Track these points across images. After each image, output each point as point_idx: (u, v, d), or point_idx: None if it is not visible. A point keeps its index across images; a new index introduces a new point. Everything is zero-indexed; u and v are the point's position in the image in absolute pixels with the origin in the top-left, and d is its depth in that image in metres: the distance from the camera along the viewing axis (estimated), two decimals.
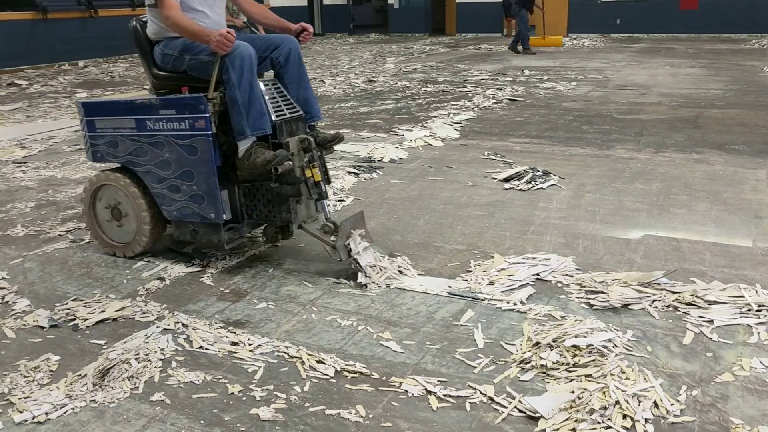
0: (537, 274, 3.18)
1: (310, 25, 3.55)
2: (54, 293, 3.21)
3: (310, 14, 23.57)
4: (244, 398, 2.30)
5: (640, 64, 12.39)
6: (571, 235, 3.75)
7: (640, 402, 2.15)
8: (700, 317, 2.73)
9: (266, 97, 3.24)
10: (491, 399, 2.24)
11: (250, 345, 2.64)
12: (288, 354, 2.57)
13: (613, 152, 5.65)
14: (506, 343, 2.59)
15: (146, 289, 3.21)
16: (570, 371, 2.34)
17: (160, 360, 2.55)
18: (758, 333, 2.60)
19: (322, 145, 3.41)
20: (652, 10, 18.99)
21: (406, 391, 2.30)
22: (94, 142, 3.54)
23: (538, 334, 2.60)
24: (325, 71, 12.59)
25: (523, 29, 14.80)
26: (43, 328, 2.85)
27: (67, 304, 3.07)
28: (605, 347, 2.47)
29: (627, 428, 2.05)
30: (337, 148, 4.26)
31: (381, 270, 3.21)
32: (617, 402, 2.14)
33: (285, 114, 3.31)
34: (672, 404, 2.16)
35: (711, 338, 2.58)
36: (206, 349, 2.63)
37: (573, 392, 2.21)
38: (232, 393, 2.33)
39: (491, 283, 3.11)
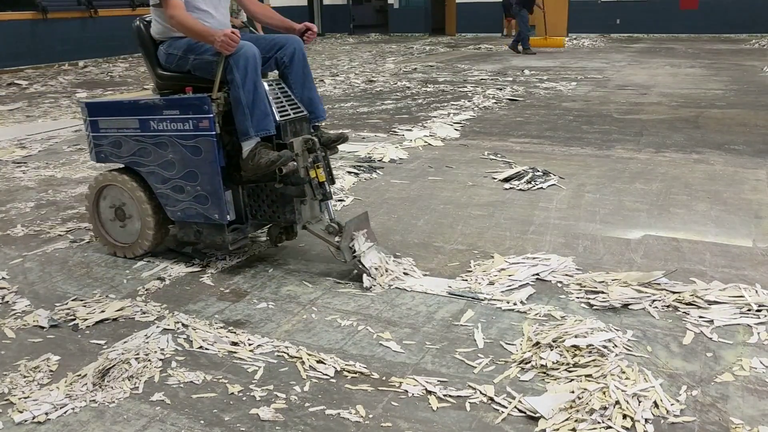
0: (537, 274, 3.18)
1: (314, 25, 3.54)
2: (54, 293, 3.21)
3: (310, 14, 23.55)
4: (244, 398, 2.30)
5: (640, 64, 12.38)
6: (571, 235, 3.75)
7: (640, 402, 2.15)
8: (700, 317, 2.73)
9: (270, 98, 3.23)
10: (491, 399, 2.24)
11: (250, 345, 2.64)
12: (288, 354, 2.57)
13: (613, 152, 5.65)
14: (506, 343, 2.59)
15: (146, 289, 3.21)
16: (570, 371, 2.34)
17: (160, 360, 2.55)
18: (758, 333, 2.60)
19: (326, 145, 3.39)
20: (652, 10, 18.99)
21: (406, 391, 2.30)
22: (98, 143, 3.53)
23: (538, 334, 2.60)
24: (325, 71, 12.59)
25: (524, 29, 14.81)
26: (43, 328, 2.85)
27: (67, 304, 3.07)
28: (605, 347, 2.47)
29: (627, 428, 2.05)
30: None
31: (386, 272, 3.21)
32: (617, 402, 2.14)
33: (289, 114, 3.30)
34: (672, 404, 2.16)
35: (711, 338, 2.58)
36: (206, 349, 2.63)
37: (573, 392, 2.21)
38: (232, 393, 2.33)
39: (491, 283, 3.11)
